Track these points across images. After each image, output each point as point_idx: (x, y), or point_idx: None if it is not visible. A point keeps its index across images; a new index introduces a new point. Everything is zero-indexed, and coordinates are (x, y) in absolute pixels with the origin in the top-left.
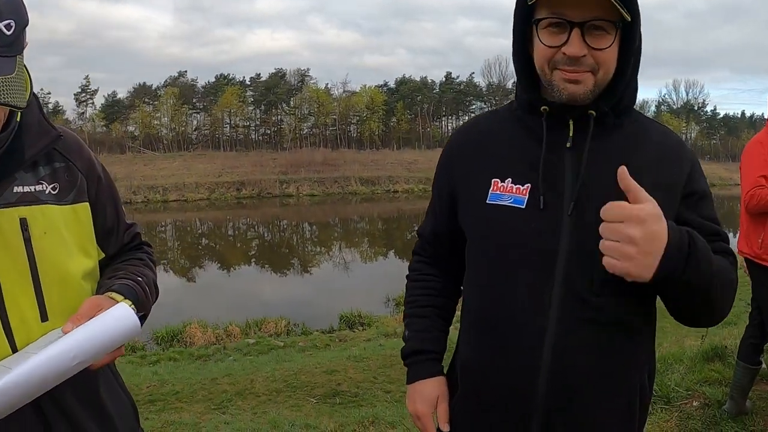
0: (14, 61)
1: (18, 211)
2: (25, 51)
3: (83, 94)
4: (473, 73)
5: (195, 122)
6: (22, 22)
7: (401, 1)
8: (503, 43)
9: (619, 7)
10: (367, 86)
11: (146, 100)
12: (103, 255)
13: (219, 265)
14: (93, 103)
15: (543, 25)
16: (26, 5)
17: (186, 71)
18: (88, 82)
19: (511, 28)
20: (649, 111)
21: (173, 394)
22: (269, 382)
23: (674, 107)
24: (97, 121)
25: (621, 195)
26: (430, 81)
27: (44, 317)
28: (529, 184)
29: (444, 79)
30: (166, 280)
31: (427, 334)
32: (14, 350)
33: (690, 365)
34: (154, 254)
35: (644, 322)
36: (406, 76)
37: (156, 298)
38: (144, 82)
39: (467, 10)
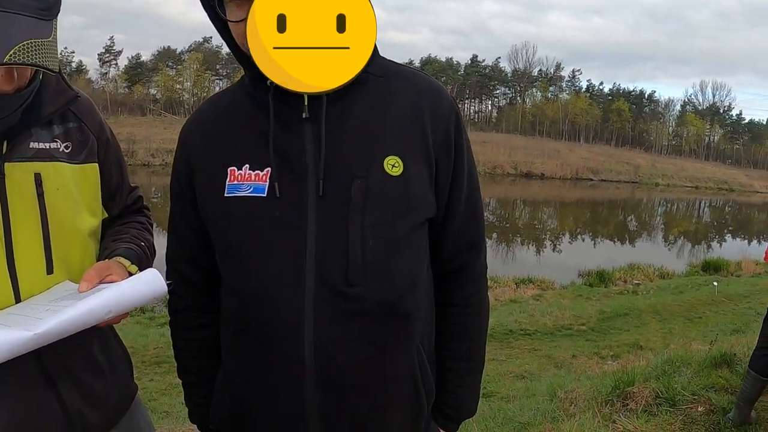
0: (51, 25)
1: (34, 166)
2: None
3: (107, 55)
4: (499, 57)
5: (217, 88)
6: None
7: None
8: (529, 29)
9: None
10: None
11: (170, 64)
12: (106, 215)
13: None
14: (116, 64)
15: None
16: None
17: (211, 37)
18: (113, 43)
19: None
20: (674, 110)
21: None
22: None
23: (699, 108)
24: (119, 82)
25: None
26: (455, 62)
27: (50, 270)
28: (269, 168)
29: (469, 61)
30: None
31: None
32: (17, 300)
33: (698, 369)
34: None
35: (413, 307)
36: (431, 56)
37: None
38: (168, 46)
39: None
